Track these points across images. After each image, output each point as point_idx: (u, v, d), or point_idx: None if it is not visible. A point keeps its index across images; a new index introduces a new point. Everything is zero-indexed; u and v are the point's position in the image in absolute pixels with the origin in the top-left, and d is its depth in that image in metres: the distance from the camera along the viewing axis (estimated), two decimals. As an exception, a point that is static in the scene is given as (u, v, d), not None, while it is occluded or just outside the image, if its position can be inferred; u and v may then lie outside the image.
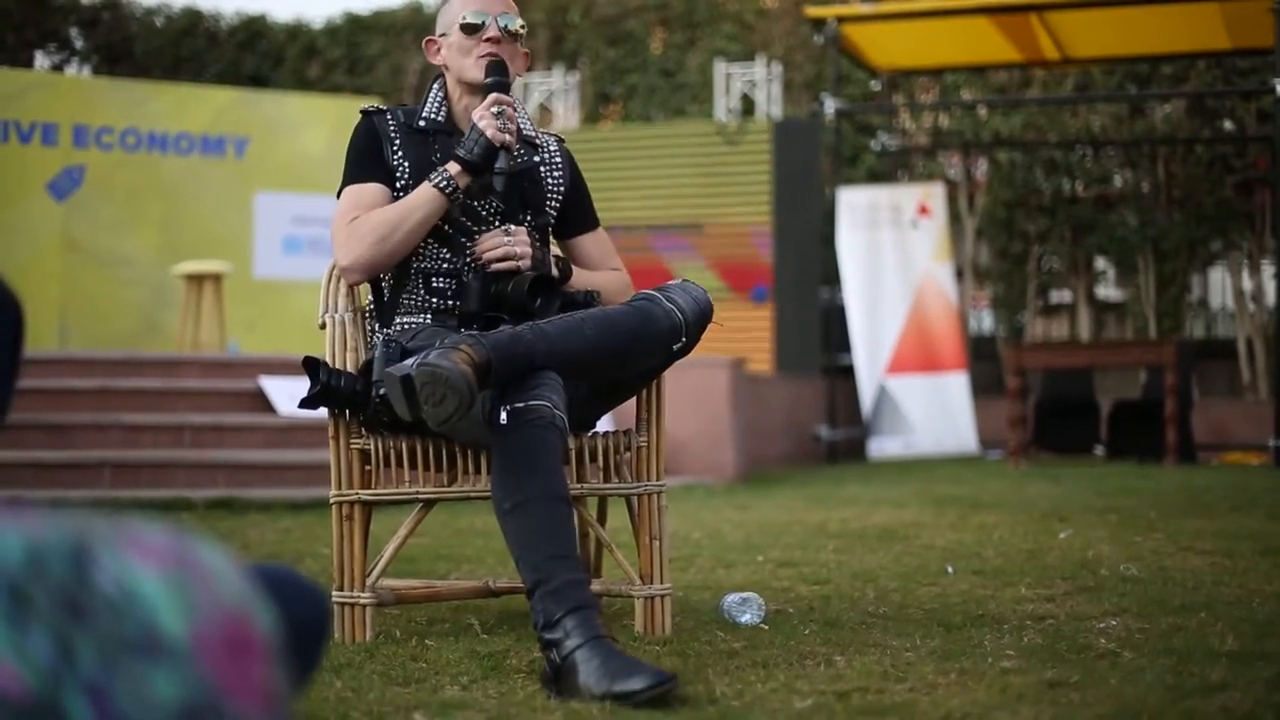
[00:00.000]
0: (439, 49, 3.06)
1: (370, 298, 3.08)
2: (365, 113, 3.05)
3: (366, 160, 3.00)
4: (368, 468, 2.97)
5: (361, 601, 2.93)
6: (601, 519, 3.28)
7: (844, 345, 10.80)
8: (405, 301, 2.99)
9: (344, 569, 2.95)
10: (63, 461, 6.65)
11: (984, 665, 2.50)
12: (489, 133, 2.88)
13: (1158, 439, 9.26)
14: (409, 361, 2.63)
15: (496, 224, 2.99)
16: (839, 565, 4.06)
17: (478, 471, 2.91)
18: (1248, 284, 11.80)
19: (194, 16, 14.91)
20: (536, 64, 13.47)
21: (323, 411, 2.95)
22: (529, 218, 3.04)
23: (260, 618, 1.02)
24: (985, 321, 13.12)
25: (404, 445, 2.92)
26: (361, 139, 3.02)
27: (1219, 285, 12.81)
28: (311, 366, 2.83)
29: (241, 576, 1.04)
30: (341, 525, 2.96)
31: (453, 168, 2.90)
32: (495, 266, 2.92)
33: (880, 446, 10.44)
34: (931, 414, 10.49)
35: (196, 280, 9.24)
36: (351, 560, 2.95)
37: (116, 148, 10.17)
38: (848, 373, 10.80)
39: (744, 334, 10.52)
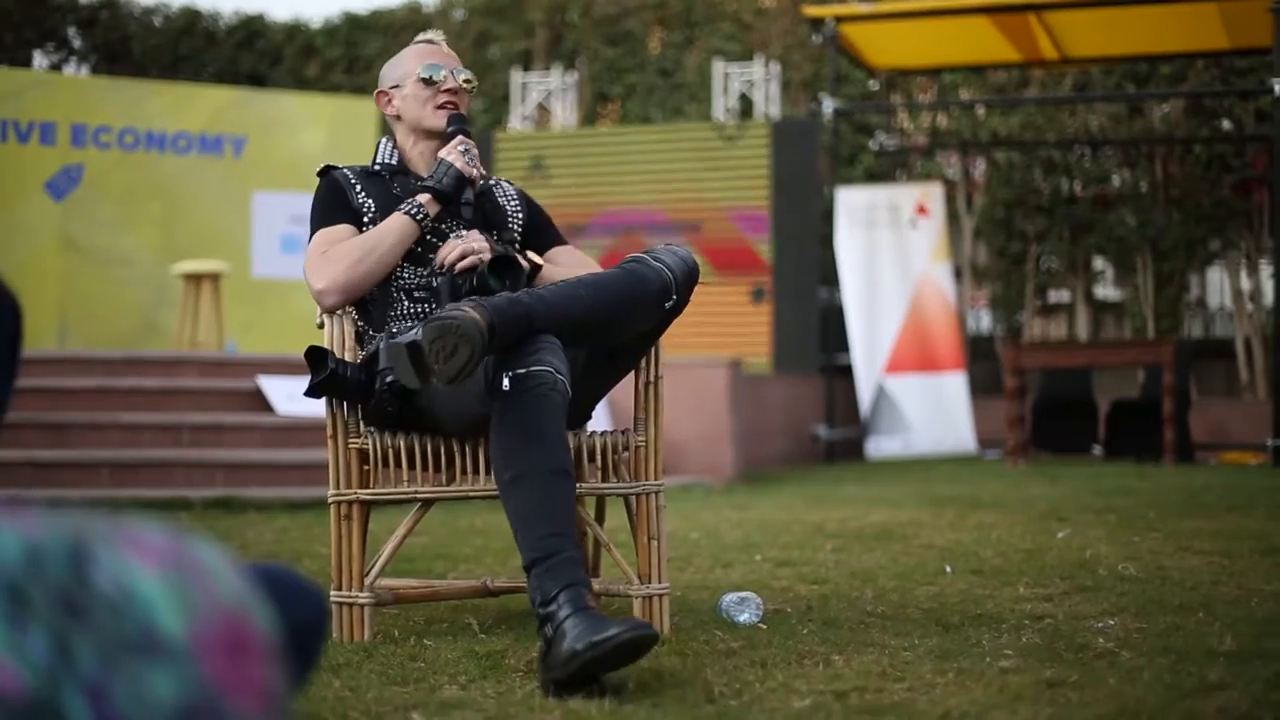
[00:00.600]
0: (390, 100, 3.19)
1: (358, 318, 3.08)
2: (323, 171, 3.16)
3: (332, 208, 3.09)
4: (366, 467, 2.97)
5: (360, 601, 2.93)
6: (600, 518, 3.28)
7: (842, 345, 10.80)
8: (391, 315, 3.04)
9: (342, 568, 2.95)
10: (61, 461, 6.65)
11: (982, 665, 2.50)
12: (458, 164, 3.04)
13: (1156, 439, 9.26)
14: (414, 330, 2.68)
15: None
16: (837, 565, 4.06)
17: (476, 471, 2.91)
18: (1246, 284, 11.81)
19: (192, 16, 14.91)
20: (535, 63, 13.48)
21: (321, 411, 2.95)
22: (494, 235, 3.13)
23: (258, 617, 1.02)
24: (983, 321, 13.13)
25: (402, 444, 2.93)
26: (324, 191, 3.11)
27: (1217, 285, 12.81)
28: (318, 355, 2.85)
29: (240, 576, 1.04)
30: (340, 525, 2.96)
31: (422, 197, 3.03)
32: (459, 266, 2.96)
33: (878, 446, 10.44)
34: (930, 414, 10.49)
35: (195, 279, 9.24)
36: (350, 560, 2.95)
37: (114, 147, 10.17)
38: (846, 372, 10.81)
39: (742, 334, 10.53)
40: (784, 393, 10.05)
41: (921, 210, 10.75)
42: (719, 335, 10.35)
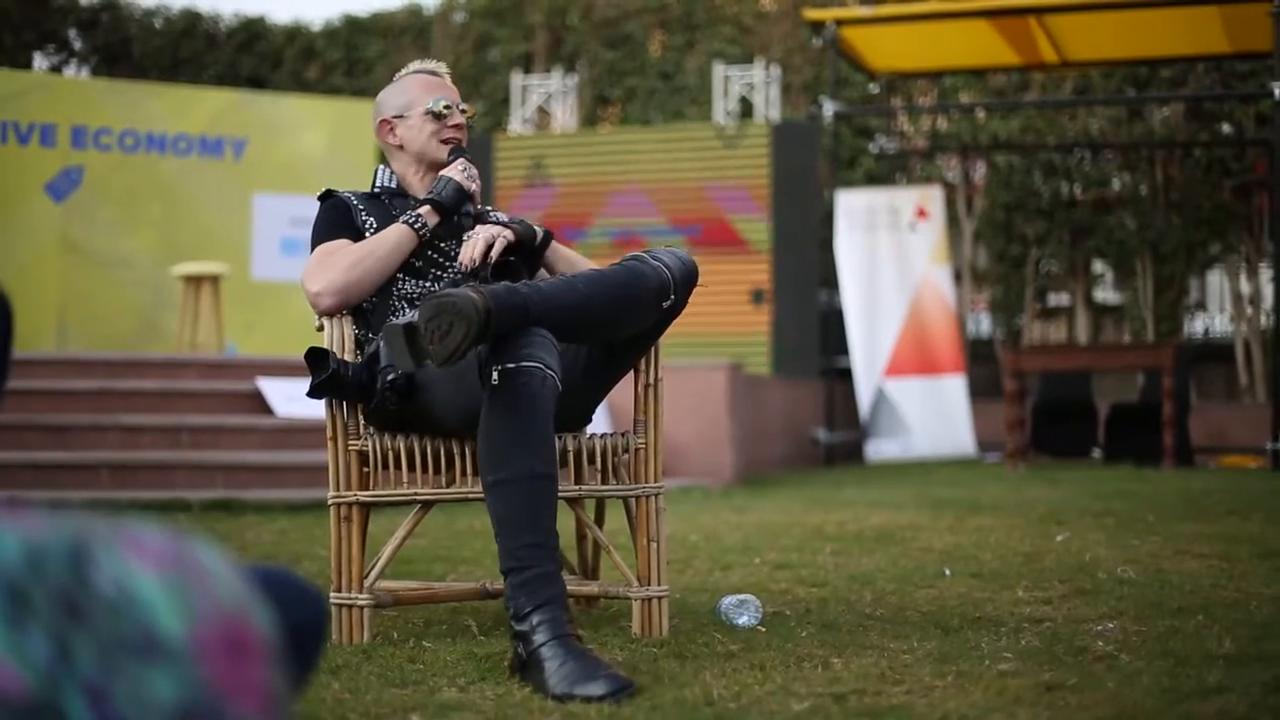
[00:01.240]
0: (393, 129, 3.20)
1: (357, 328, 3.08)
2: (324, 195, 3.16)
3: (335, 226, 3.09)
4: (366, 469, 2.98)
5: (359, 603, 2.93)
6: (599, 521, 3.28)
7: (842, 348, 10.80)
8: (392, 319, 3.03)
9: (342, 570, 2.95)
10: (61, 462, 6.65)
11: (981, 668, 2.50)
12: (458, 179, 3.07)
13: (1155, 442, 9.26)
14: (411, 314, 2.70)
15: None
16: (836, 567, 4.06)
17: (475, 473, 2.91)
18: (1245, 287, 11.82)
19: (192, 18, 14.91)
20: (535, 66, 13.48)
21: (321, 413, 2.95)
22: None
23: (258, 619, 1.02)
24: (983, 324, 13.13)
25: (402, 446, 2.93)
26: (327, 211, 3.12)
27: (1217, 288, 12.82)
28: (318, 356, 2.85)
29: (239, 578, 1.04)
30: (339, 526, 2.96)
31: (422, 208, 3.05)
32: (493, 253, 2.96)
33: (878, 449, 10.44)
34: (929, 417, 10.49)
35: (194, 281, 9.24)
36: (349, 562, 2.95)
37: (115, 149, 10.17)
38: (846, 375, 10.81)
39: (742, 336, 10.53)
40: (783, 395, 10.05)
41: (921, 213, 10.75)
42: (719, 335, 10.35)
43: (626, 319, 2.82)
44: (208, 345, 9.13)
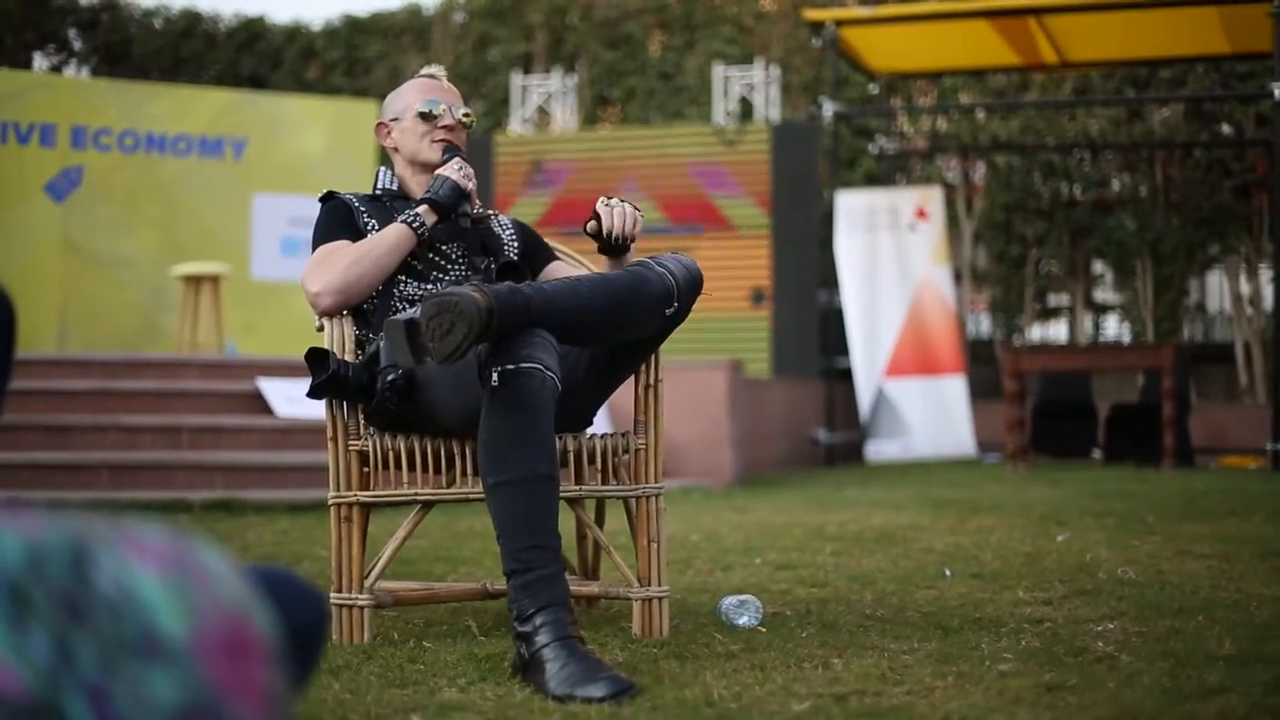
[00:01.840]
0: (389, 132, 3.23)
1: (358, 328, 3.08)
2: (325, 196, 3.17)
3: (335, 227, 3.10)
4: (366, 469, 2.98)
5: (359, 603, 2.93)
6: (600, 521, 3.28)
7: (842, 348, 10.80)
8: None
9: (342, 571, 2.95)
10: (61, 463, 6.65)
11: (981, 668, 2.50)
12: (454, 177, 3.07)
13: (1155, 443, 9.26)
14: (413, 310, 2.71)
15: (462, 266, 3.11)
16: (837, 568, 4.06)
17: (475, 474, 2.91)
18: (1245, 288, 11.81)
19: (192, 18, 14.91)
20: (535, 66, 13.48)
21: (321, 413, 2.96)
22: (491, 261, 3.15)
23: (258, 619, 1.02)
24: (983, 325, 13.12)
25: (402, 446, 2.93)
26: (328, 213, 3.13)
27: (1217, 289, 12.81)
28: (319, 356, 2.85)
29: (240, 578, 1.04)
30: (340, 527, 2.96)
31: (420, 207, 3.05)
32: (637, 229, 2.98)
33: (878, 449, 10.44)
34: (929, 417, 10.49)
35: (195, 281, 9.24)
36: (349, 562, 2.95)
37: (115, 149, 10.17)
38: (846, 376, 10.80)
39: (742, 337, 10.53)
40: (784, 396, 10.05)
41: (921, 214, 10.75)
42: (718, 336, 10.35)
43: (628, 324, 2.81)
44: (208, 345, 9.13)
